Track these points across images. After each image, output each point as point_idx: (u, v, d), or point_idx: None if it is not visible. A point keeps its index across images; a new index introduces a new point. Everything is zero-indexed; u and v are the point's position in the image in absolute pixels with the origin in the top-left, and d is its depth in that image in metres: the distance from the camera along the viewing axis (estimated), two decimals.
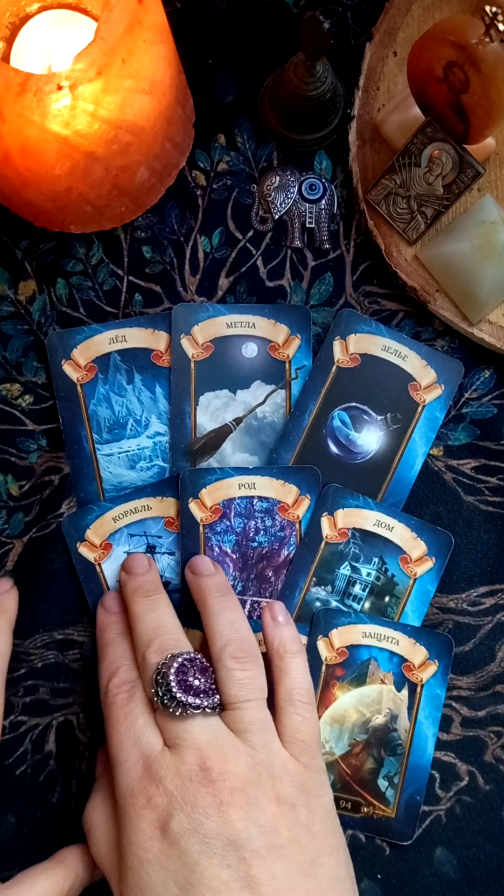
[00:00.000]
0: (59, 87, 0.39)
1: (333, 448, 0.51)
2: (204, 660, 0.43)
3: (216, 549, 0.50)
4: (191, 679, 0.41)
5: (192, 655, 0.42)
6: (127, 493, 0.50)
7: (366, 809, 0.48)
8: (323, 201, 0.52)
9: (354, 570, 0.50)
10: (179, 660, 0.42)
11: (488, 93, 0.43)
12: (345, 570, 0.50)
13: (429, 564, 0.50)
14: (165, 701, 0.41)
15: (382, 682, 0.48)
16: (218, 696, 0.41)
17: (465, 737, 0.49)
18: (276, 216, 0.52)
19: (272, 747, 0.41)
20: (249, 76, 0.53)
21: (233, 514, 0.50)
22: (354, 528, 0.50)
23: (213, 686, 0.42)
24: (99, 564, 0.50)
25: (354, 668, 0.49)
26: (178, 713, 0.40)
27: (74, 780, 0.49)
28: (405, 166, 0.49)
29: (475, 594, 0.50)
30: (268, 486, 0.50)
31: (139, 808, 0.39)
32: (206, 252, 0.52)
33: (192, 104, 0.52)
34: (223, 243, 0.52)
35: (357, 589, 0.50)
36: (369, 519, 0.50)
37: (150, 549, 0.50)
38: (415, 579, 0.50)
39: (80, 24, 0.47)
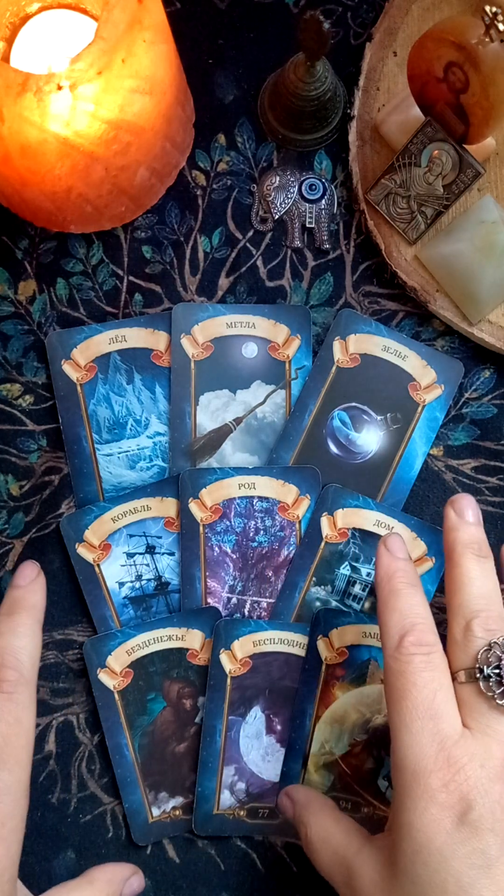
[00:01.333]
0: (59, 87, 0.39)
1: (333, 448, 0.51)
2: None
3: (216, 549, 0.50)
4: None
5: None
6: (126, 494, 0.50)
7: (366, 809, 0.48)
8: (323, 201, 0.52)
9: (354, 570, 0.50)
10: None
11: (488, 93, 0.43)
12: (345, 570, 0.50)
13: (429, 564, 0.50)
14: (492, 685, 0.37)
15: (382, 682, 0.48)
16: None
17: None
18: (276, 216, 0.52)
19: None
20: (249, 76, 0.53)
21: (233, 514, 0.50)
22: (354, 528, 0.50)
23: None
24: (98, 565, 0.50)
25: (354, 668, 0.49)
26: (501, 703, 0.37)
27: (74, 780, 0.49)
28: (405, 166, 0.49)
29: None
30: (268, 486, 0.50)
31: (434, 789, 0.36)
32: (206, 252, 0.52)
33: (192, 104, 0.52)
34: (223, 243, 0.52)
35: (357, 589, 0.50)
36: (369, 519, 0.50)
37: (150, 550, 0.50)
38: None
39: (80, 24, 0.47)
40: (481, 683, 0.37)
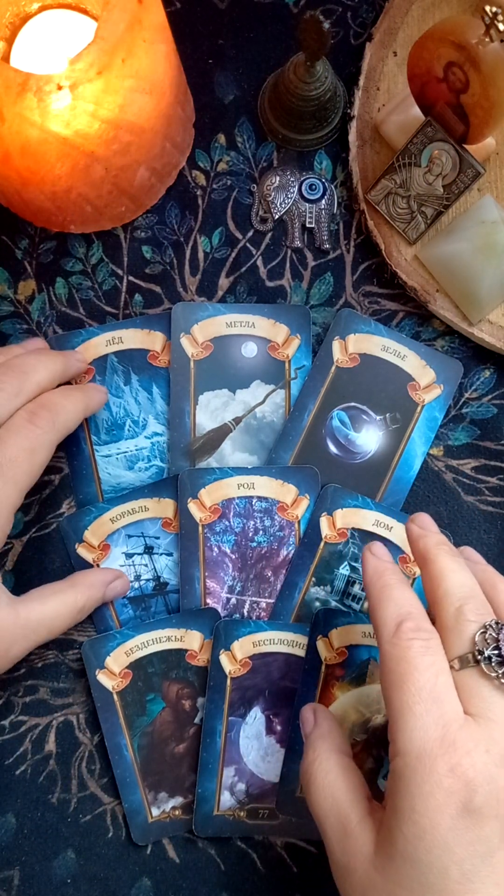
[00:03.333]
0: (60, 87, 0.39)
1: (333, 448, 0.51)
2: None
3: (215, 549, 0.50)
4: None
5: None
6: (124, 494, 0.50)
7: None
8: (323, 201, 0.52)
9: (354, 569, 0.50)
10: None
11: (488, 93, 0.43)
12: (344, 569, 0.50)
13: None
14: (494, 666, 0.37)
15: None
16: None
17: None
18: (276, 216, 0.52)
19: None
20: (249, 76, 0.53)
21: (232, 514, 0.50)
22: (353, 528, 0.50)
23: None
24: (97, 565, 0.50)
25: (354, 668, 0.49)
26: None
27: (74, 780, 0.49)
28: (405, 166, 0.49)
29: None
30: (267, 486, 0.50)
31: (440, 774, 0.35)
32: (206, 252, 0.52)
33: (192, 104, 0.52)
34: (223, 243, 0.52)
35: (356, 589, 0.50)
36: (368, 519, 0.50)
37: (148, 550, 0.50)
38: (414, 579, 0.50)
39: (80, 24, 0.46)
40: (483, 665, 0.37)
